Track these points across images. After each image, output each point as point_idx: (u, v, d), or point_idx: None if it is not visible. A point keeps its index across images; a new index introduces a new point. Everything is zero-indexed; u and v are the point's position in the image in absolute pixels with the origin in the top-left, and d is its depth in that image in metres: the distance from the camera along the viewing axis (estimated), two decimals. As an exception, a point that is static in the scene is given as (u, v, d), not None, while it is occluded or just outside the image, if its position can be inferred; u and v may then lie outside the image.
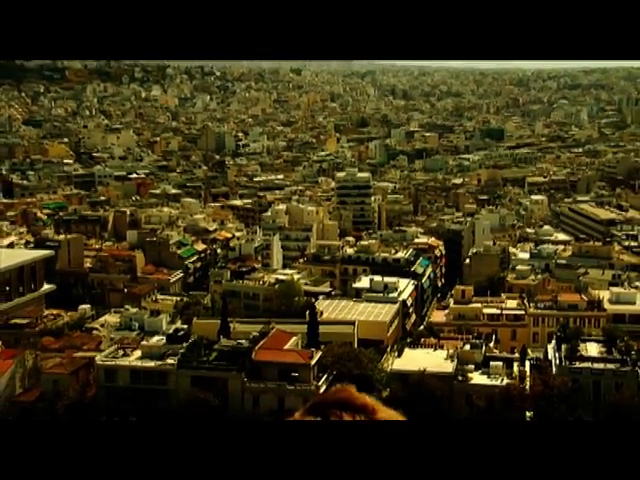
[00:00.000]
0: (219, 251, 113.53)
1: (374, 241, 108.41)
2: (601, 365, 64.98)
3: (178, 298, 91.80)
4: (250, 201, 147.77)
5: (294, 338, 68.13)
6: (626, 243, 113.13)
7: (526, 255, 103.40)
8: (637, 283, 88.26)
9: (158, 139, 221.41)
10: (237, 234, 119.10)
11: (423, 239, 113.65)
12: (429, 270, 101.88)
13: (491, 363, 64.74)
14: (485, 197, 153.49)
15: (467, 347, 68.00)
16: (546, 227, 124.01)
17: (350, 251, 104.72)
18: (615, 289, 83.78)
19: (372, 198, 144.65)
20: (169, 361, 65.33)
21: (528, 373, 65.06)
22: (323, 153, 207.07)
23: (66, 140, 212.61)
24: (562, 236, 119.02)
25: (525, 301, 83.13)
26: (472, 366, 64.12)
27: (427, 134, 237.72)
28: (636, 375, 63.16)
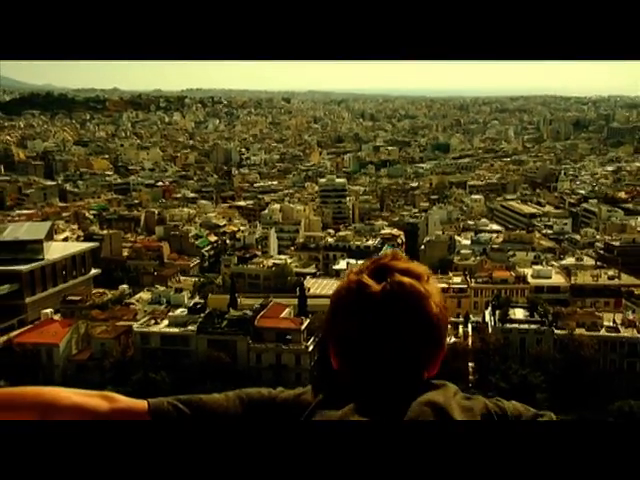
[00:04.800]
0: (228, 242, 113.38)
1: (349, 232, 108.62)
2: (525, 326, 65.52)
3: (196, 279, 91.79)
4: (251, 202, 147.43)
5: (287, 309, 68.34)
6: (544, 231, 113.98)
7: (468, 242, 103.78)
8: (552, 262, 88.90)
9: (179, 154, 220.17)
10: (242, 228, 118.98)
11: (388, 230, 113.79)
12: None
13: (441, 326, 65.04)
14: (436, 197, 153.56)
15: (422, 313, 68.29)
16: (483, 220, 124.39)
17: (330, 240, 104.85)
18: (536, 267, 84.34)
19: (347, 199, 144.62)
20: (190, 328, 65.46)
21: (470, 333, 65.55)
22: (308, 164, 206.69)
23: (107, 156, 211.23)
24: (495, 226, 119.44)
25: (467, 277, 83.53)
26: (426, 328, 64.38)
27: (390, 148, 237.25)
28: (552, 333, 63.79)
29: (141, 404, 1.90)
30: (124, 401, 1.90)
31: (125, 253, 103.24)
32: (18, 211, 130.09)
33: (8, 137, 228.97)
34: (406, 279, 1.99)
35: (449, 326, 64.58)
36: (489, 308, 70.67)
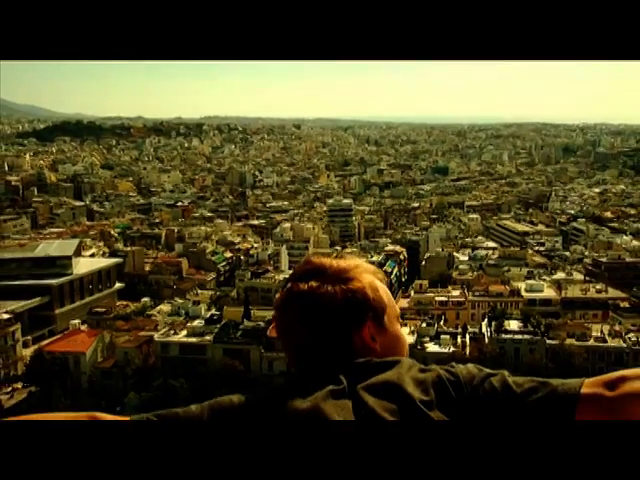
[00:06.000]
0: (242, 258, 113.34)
1: (355, 249, 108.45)
2: (519, 336, 65.21)
3: (213, 292, 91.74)
4: (264, 221, 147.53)
5: (298, 320, 68.13)
6: (536, 248, 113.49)
7: (465, 258, 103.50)
8: (544, 277, 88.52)
9: (197, 177, 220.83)
10: (255, 245, 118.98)
11: (391, 247, 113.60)
12: (396, 269, 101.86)
13: (441, 336, 64.83)
14: (435, 216, 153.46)
15: (424, 325, 68.06)
16: (480, 237, 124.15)
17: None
18: (529, 281, 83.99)
19: (353, 218, 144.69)
20: (207, 338, 65.39)
21: (468, 343, 65.19)
22: (317, 185, 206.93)
23: (131, 179, 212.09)
24: (491, 244, 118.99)
25: (465, 291, 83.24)
26: (428, 338, 64.19)
27: (393, 171, 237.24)
28: (544, 343, 63.46)
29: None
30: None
31: (147, 268, 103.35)
32: (49, 229, 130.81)
33: (41, 161, 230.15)
34: (295, 284, 2.10)
35: (447, 336, 64.40)
36: (485, 320, 70.40)
